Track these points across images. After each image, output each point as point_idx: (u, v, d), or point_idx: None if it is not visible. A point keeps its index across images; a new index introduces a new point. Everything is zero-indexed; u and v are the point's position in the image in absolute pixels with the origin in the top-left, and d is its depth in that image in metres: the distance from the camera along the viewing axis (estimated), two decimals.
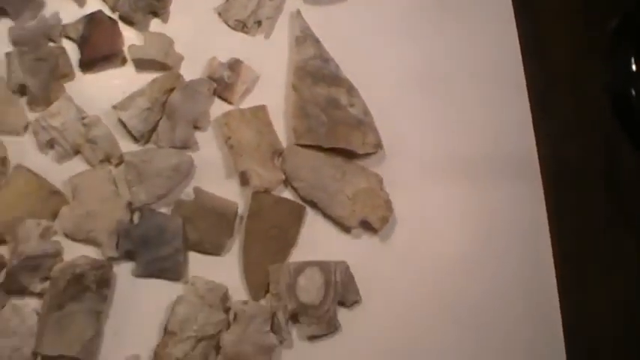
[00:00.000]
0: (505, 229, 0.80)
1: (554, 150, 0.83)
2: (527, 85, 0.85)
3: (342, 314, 0.75)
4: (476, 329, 0.77)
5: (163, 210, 0.75)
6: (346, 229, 0.77)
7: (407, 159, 0.80)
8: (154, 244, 0.74)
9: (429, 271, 0.77)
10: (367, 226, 0.76)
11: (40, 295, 0.74)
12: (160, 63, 0.78)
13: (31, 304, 0.73)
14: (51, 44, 0.80)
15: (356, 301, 0.75)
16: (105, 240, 0.74)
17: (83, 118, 0.77)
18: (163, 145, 0.77)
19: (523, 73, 0.84)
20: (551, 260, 0.80)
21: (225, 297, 0.74)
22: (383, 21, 0.84)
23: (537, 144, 0.83)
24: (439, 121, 0.82)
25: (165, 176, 0.75)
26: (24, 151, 0.77)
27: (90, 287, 0.73)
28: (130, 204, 0.75)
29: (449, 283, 0.77)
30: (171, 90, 0.77)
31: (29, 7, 0.80)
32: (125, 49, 0.79)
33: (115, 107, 0.77)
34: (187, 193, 0.76)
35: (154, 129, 0.77)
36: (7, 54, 0.79)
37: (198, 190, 0.76)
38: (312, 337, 0.74)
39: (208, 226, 0.75)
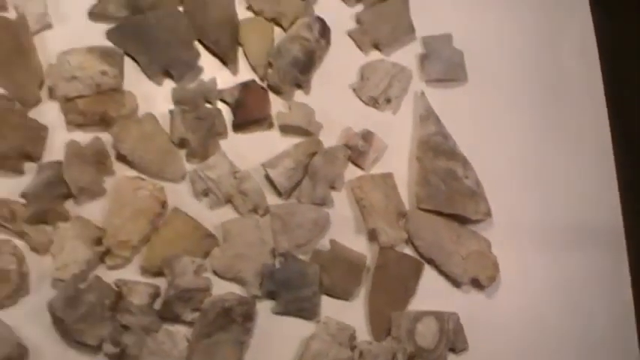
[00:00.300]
0: (595, 295, 0.91)
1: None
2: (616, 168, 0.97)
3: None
4: None
5: (302, 257, 0.87)
6: (457, 284, 0.88)
7: (513, 226, 0.91)
8: (294, 286, 0.85)
9: (528, 328, 0.88)
10: (476, 284, 0.88)
11: (190, 323, 0.85)
12: (303, 129, 0.91)
13: (182, 330, 0.85)
14: (207, 105, 0.93)
15: (464, 349, 0.86)
16: (251, 280, 0.86)
17: (235, 172, 0.89)
18: (304, 201, 0.88)
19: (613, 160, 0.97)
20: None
21: (352, 337, 0.84)
22: (494, 104, 0.97)
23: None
24: (540, 193, 0.94)
25: (305, 228, 0.87)
26: (181, 196, 0.90)
27: (236, 320, 0.84)
28: (273, 250, 0.87)
29: (543, 340, 0.88)
30: (313, 154, 0.89)
31: (190, 72, 0.94)
32: (273, 115, 0.92)
33: (263, 165, 0.89)
34: (323, 244, 0.87)
35: (295, 186, 0.89)
36: (171, 111, 0.92)
37: (333, 242, 0.87)
38: None
39: (340, 274, 0.86)
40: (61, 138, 0.91)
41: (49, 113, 0.93)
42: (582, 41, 1.02)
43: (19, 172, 0.90)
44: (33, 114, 0.92)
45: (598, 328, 0.90)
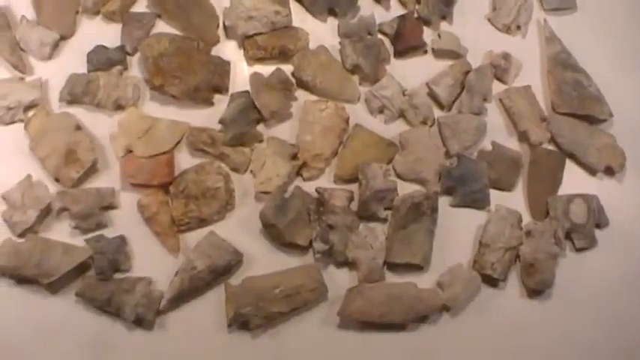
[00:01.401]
0: None
1: None
2: None
3: (597, 234, 1.02)
4: None
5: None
6: (594, 172, 1.05)
7: (628, 125, 1.08)
8: (467, 181, 1.00)
9: None
10: (609, 171, 1.04)
11: (383, 220, 0.99)
12: (454, 52, 1.07)
13: (378, 226, 0.99)
14: (369, 37, 1.06)
15: (607, 224, 1.02)
16: (431, 179, 1.01)
17: (404, 91, 1.03)
18: (464, 111, 1.04)
19: None
20: None
21: (520, 219, 1.00)
22: (599, 25, 1.14)
23: None
24: None
25: (470, 133, 1.02)
26: (359, 115, 1.04)
27: (425, 212, 0.98)
28: (446, 153, 1.02)
29: None
30: (467, 72, 1.05)
31: (352, 8, 1.08)
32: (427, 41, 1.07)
33: (428, 83, 1.04)
34: (485, 146, 1.03)
35: (454, 100, 1.05)
36: (341, 42, 1.05)
37: (494, 143, 1.03)
38: (580, 249, 1.01)
39: (503, 168, 1.02)
40: (241, 71, 1.05)
41: (228, 50, 1.06)
42: None
43: (210, 103, 1.03)
44: (214, 52, 1.05)
45: None
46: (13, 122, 0.99)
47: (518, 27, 1.10)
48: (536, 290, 0.98)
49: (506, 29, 1.10)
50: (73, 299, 0.92)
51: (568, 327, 0.98)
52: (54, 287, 0.92)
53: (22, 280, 0.92)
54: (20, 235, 0.94)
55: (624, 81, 1.11)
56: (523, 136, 1.04)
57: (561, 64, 1.07)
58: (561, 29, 1.11)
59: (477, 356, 0.96)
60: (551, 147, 1.05)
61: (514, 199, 1.02)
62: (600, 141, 1.05)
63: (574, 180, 1.04)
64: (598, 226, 1.02)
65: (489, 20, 1.11)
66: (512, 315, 0.98)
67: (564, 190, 1.03)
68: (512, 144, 1.05)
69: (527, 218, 1.01)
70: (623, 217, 1.04)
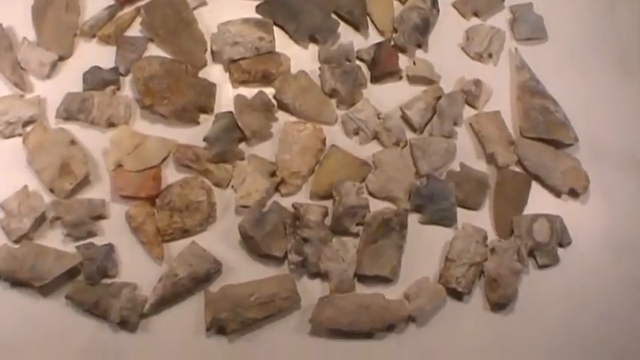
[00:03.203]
0: None
1: None
2: None
3: (560, 252, 1.07)
4: None
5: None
6: (558, 194, 1.10)
7: (593, 149, 1.14)
8: (436, 200, 1.06)
9: (617, 225, 1.10)
10: (573, 193, 1.10)
11: (355, 235, 1.05)
12: (427, 79, 1.13)
13: (350, 240, 1.05)
14: (347, 63, 1.13)
15: (569, 242, 1.08)
16: (401, 197, 1.07)
17: (378, 114, 1.10)
18: (435, 134, 1.10)
19: None
20: None
21: (485, 237, 1.06)
22: (569, 55, 1.20)
23: None
24: (612, 123, 1.16)
25: (440, 155, 1.09)
26: (335, 136, 1.11)
27: (395, 228, 1.04)
28: (416, 173, 1.08)
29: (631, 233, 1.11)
30: (439, 98, 1.11)
31: (332, 36, 1.15)
32: (402, 68, 1.14)
33: (401, 107, 1.11)
34: (454, 167, 1.09)
35: (427, 123, 1.11)
36: (320, 68, 1.12)
37: (462, 164, 1.09)
38: (543, 266, 1.06)
39: (470, 189, 1.08)
40: (226, 93, 1.12)
41: (214, 73, 1.13)
42: (632, 3, 1.26)
43: (196, 122, 1.10)
44: (201, 74, 1.12)
45: None
46: (12, 136, 1.06)
47: (490, 55, 1.17)
48: (499, 304, 1.04)
49: (479, 57, 1.17)
50: (63, 302, 0.98)
51: (529, 339, 1.04)
52: (45, 290, 0.98)
53: (16, 282, 0.98)
54: (16, 241, 1.00)
55: (590, 107, 1.17)
56: (491, 159, 1.10)
57: (530, 91, 1.14)
58: (532, 58, 1.17)
59: None
60: (517, 169, 1.11)
61: (480, 218, 1.08)
62: (565, 164, 1.11)
63: (539, 201, 1.10)
64: (561, 244, 1.08)
65: (463, 49, 1.17)
66: (476, 327, 1.03)
67: (530, 210, 1.09)
68: (481, 166, 1.11)
69: (492, 236, 1.07)
70: (586, 237, 1.09)
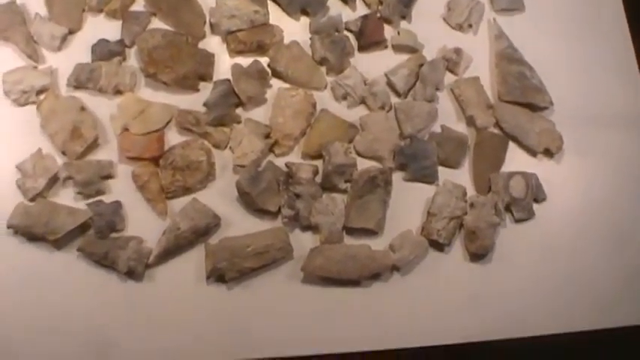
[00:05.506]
0: None
1: None
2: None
3: (535, 207, 1.16)
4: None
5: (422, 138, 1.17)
6: (534, 154, 1.18)
7: (566, 111, 1.22)
8: (418, 159, 1.14)
9: (586, 182, 1.19)
10: (547, 153, 1.18)
11: (343, 191, 1.13)
12: (411, 47, 1.21)
13: (339, 196, 1.13)
14: (336, 34, 1.21)
15: (544, 199, 1.16)
16: (386, 156, 1.15)
17: (365, 80, 1.18)
18: (418, 98, 1.18)
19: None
20: None
21: (464, 193, 1.14)
22: (545, 24, 1.28)
23: None
24: (582, 86, 1.24)
25: (422, 118, 1.17)
26: (325, 101, 1.19)
27: (380, 185, 1.12)
28: (400, 134, 1.16)
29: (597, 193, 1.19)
30: (421, 65, 1.19)
31: (322, 9, 1.23)
32: (387, 38, 1.22)
33: (386, 73, 1.19)
34: (435, 129, 1.17)
35: (410, 89, 1.19)
36: (311, 38, 1.20)
37: (443, 126, 1.17)
38: (519, 220, 1.15)
39: (451, 149, 1.16)
40: (224, 63, 1.20)
41: (212, 44, 1.21)
42: None
43: (196, 89, 1.18)
44: (201, 45, 1.20)
45: None
46: (27, 104, 1.14)
47: (470, 25, 1.25)
48: (477, 255, 1.12)
49: (459, 27, 1.25)
50: (75, 254, 1.07)
51: (505, 287, 1.12)
52: (59, 243, 1.07)
53: (32, 237, 1.07)
54: (31, 200, 1.09)
55: (564, 73, 1.25)
56: (470, 121, 1.19)
57: (507, 58, 1.21)
58: (509, 27, 1.25)
59: (423, 311, 1.10)
60: (495, 131, 1.19)
61: (460, 176, 1.16)
62: (540, 126, 1.19)
63: (516, 160, 1.18)
64: (536, 200, 1.16)
65: (444, 19, 1.25)
66: (456, 276, 1.12)
67: (507, 168, 1.17)
68: (461, 128, 1.19)
69: (471, 192, 1.15)
70: (560, 194, 1.18)
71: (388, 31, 1.22)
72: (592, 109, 1.23)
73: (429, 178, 1.15)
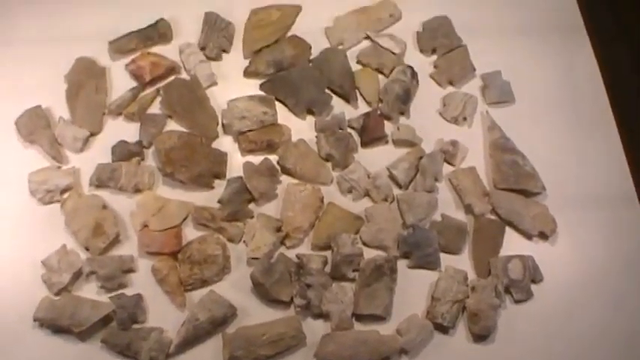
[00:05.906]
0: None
1: None
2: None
3: (533, 288, 1.21)
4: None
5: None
6: (529, 237, 1.25)
7: (559, 197, 1.29)
8: (422, 246, 1.21)
9: (582, 264, 1.25)
10: (542, 235, 1.25)
11: (352, 280, 1.19)
12: (410, 142, 1.29)
13: (347, 285, 1.18)
14: (340, 131, 1.29)
15: (541, 279, 1.22)
16: (391, 245, 1.22)
17: (368, 174, 1.26)
18: (419, 190, 1.26)
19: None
20: None
21: (465, 277, 1.20)
22: (534, 115, 1.35)
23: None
24: (573, 173, 1.31)
25: (423, 207, 1.24)
26: (331, 194, 1.26)
27: (386, 273, 1.18)
28: (403, 224, 1.23)
29: (594, 274, 1.24)
30: (420, 158, 1.27)
31: (326, 108, 1.32)
32: (388, 134, 1.30)
33: (388, 167, 1.26)
34: (436, 217, 1.25)
35: (411, 181, 1.27)
36: (317, 136, 1.29)
37: (444, 215, 1.24)
38: (519, 301, 1.20)
39: (451, 236, 1.23)
40: (236, 161, 1.28)
41: (225, 144, 1.29)
42: (587, 68, 1.42)
43: (210, 187, 1.25)
44: (214, 145, 1.28)
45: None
46: (51, 202, 1.21)
47: (465, 118, 1.33)
48: (481, 335, 1.17)
49: (455, 121, 1.33)
50: (98, 345, 1.12)
51: None
52: (83, 335, 1.12)
53: (57, 329, 1.12)
54: (57, 294, 1.14)
55: (555, 159, 1.32)
56: (468, 209, 1.26)
57: (501, 147, 1.30)
58: (501, 118, 1.33)
59: None
60: (492, 217, 1.26)
61: (461, 261, 1.23)
62: (534, 210, 1.26)
63: (513, 244, 1.25)
64: (534, 281, 1.22)
65: (440, 114, 1.34)
66: (461, 357, 1.17)
67: (504, 252, 1.24)
68: (460, 215, 1.26)
69: (472, 276, 1.22)
70: (556, 273, 1.23)
71: (388, 127, 1.31)
72: (582, 191, 1.30)
73: (432, 264, 1.22)
